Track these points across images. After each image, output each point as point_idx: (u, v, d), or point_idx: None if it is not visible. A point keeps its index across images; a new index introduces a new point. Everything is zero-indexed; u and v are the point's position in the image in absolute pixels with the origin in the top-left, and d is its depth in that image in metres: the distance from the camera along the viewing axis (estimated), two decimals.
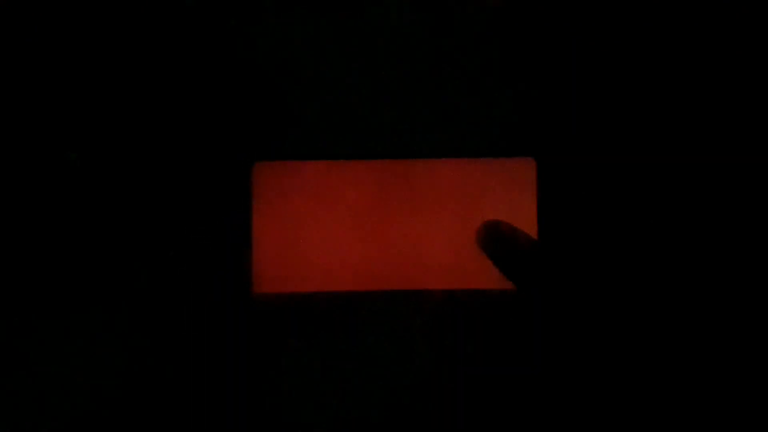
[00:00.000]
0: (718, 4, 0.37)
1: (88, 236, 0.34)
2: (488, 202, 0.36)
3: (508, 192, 0.36)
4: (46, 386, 0.27)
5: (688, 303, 0.34)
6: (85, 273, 0.32)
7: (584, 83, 0.37)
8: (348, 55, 0.38)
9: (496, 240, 0.34)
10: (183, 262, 0.32)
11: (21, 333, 0.30)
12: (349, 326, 0.36)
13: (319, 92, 0.37)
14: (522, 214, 0.36)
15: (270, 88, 0.38)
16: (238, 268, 0.35)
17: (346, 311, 0.36)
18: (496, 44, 0.37)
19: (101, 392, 0.26)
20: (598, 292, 0.31)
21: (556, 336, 0.32)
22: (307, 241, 0.36)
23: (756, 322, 0.34)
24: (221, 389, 0.34)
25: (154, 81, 0.37)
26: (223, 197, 0.35)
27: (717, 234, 0.36)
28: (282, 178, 0.36)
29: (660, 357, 0.31)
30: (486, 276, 0.35)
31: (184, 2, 0.36)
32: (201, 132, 0.37)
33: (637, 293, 0.34)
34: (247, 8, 0.38)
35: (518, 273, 0.32)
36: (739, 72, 0.37)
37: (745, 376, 0.33)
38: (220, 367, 0.34)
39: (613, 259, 0.35)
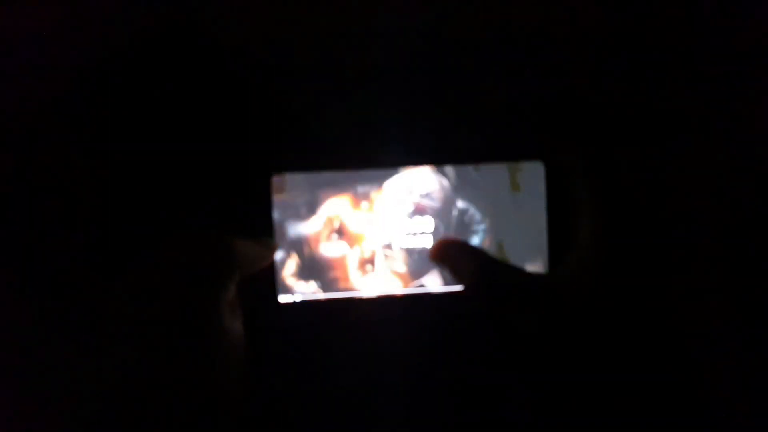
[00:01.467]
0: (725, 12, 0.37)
1: (103, 240, 0.34)
2: None
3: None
4: (58, 385, 0.27)
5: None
6: (99, 278, 0.33)
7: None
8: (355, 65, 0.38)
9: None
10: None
11: (25, 332, 0.29)
12: (374, 331, 0.37)
13: (334, 103, 0.38)
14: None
15: (287, 100, 0.38)
16: (264, 277, 0.35)
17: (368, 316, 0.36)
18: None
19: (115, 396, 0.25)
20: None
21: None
22: None
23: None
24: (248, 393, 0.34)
25: (173, 89, 0.37)
26: (245, 207, 0.36)
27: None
28: None
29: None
30: None
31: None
32: (221, 143, 0.37)
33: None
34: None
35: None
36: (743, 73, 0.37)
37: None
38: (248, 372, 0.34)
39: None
